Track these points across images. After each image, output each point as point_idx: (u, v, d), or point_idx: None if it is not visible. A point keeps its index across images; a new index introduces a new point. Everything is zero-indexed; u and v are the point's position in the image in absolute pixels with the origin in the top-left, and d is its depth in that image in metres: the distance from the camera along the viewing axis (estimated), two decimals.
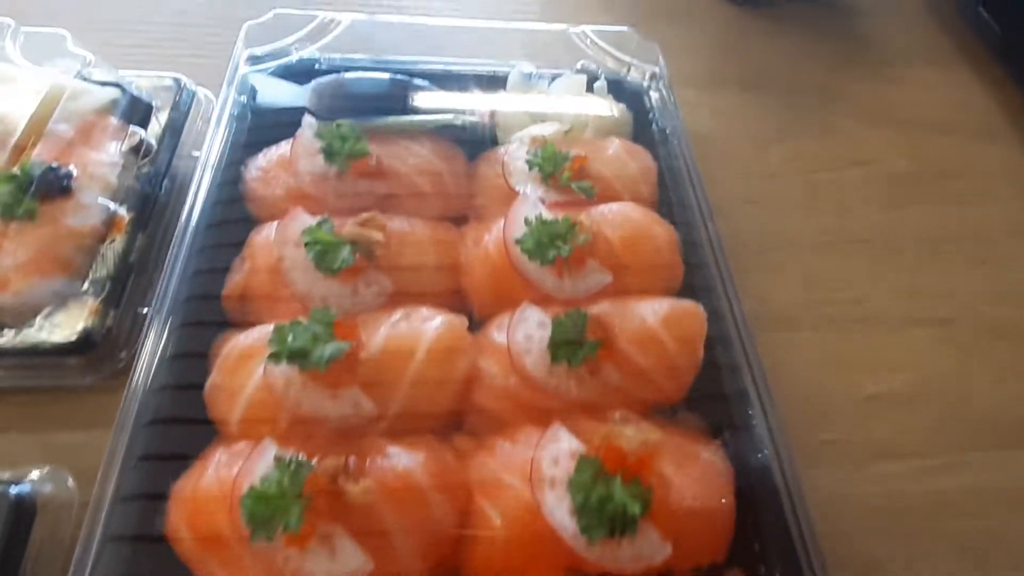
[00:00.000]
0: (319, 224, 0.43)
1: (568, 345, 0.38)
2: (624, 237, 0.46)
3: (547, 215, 0.44)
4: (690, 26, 0.84)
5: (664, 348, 0.41)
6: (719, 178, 0.65)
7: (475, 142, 0.55)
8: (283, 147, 0.51)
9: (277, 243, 0.44)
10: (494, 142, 0.56)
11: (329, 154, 0.46)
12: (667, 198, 0.54)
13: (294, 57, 0.53)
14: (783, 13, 0.86)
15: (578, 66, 0.61)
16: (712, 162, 0.67)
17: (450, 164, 0.52)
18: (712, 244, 0.50)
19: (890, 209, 0.66)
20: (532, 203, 0.46)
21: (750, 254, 0.60)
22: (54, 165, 0.45)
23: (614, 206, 0.48)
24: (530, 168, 0.49)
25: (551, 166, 0.49)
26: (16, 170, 0.43)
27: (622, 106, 0.59)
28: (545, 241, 0.42)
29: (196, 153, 0.54)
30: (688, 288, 0.48)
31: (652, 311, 0.42)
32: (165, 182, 0.51)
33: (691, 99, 0.73)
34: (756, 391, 0.44)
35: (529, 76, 0.59)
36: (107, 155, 0.48)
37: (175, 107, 0.54)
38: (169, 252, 0.45)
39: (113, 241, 0.45)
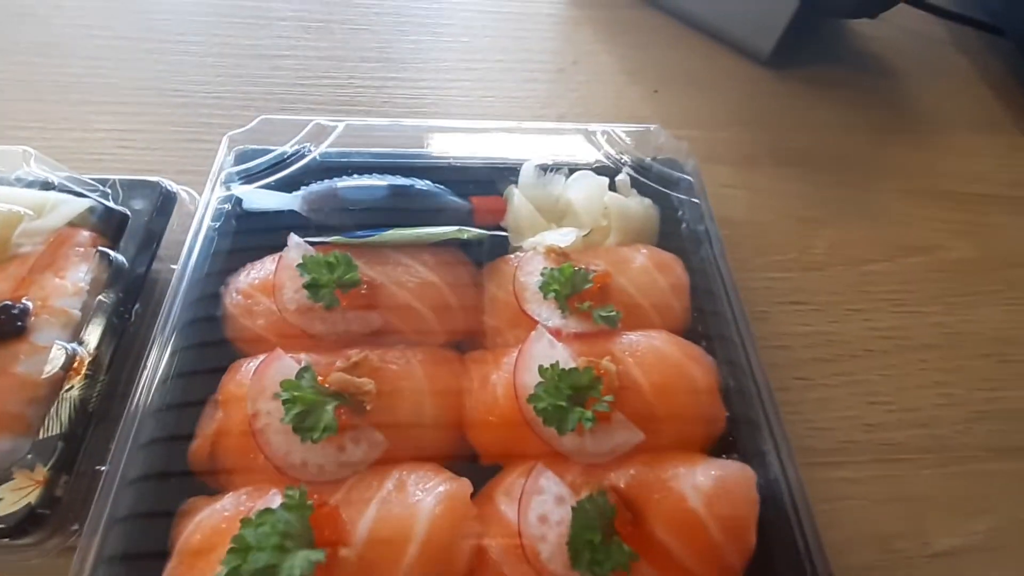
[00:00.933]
0: (300, 374, 0.37)
1: (593, 550, 0.31)
2: (657, 383, 0.39)
3: (565, 361, 0.38)
4: (716, 92, 0.78)
5: (709, 537, 0.33)
6: (758, 273, 0.59)
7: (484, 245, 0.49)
8: (268, 265, 0.45)
9: (252, 395, 0.38)
10: (504, 248, 0.50)
11: (315, 289, 0.40)
12: (699, 306, 0.47)
13: (281, 173, 0.47)
14: (816, 76, 0.80)
15: (599, 156, 0.55)
16: (749, 253, 0.60)
17: (455, 281, 0.46)
18: (753, 370, 0.43)
19: (955, 307, 0.58)
20: (547, 343, 0.39)
21: (797, 367, 0.53)
22: (7, 303, 0.40)
23: (643, 341, 0.41)
24: (545, 294, 0.43)
25: (569, 288, 0.43)
26: None
27: (647, 201, 0.53)
28: (564, 405, 0.35)
29: (174, 266, 0.49)
30: (729, 420, 0.41)
31: (692, 487, 0.35)
32: (137, 307, 0.45)
33: (721, 177, 0.67)
34: (808, 554, 0.37)
35: (544, 170, 0.53)
36: (71, 282, 0.43)
37: (152, 216, 0.49)
38: (130, 399, 0.39)
39: (71, 388, 0.39)
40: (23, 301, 0.41)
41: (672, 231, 0.53)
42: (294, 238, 0.44)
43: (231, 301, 0.44)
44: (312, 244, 0.44)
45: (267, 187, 0.47)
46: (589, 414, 0.35)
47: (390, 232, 0.45)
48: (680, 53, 0.83)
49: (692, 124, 0.74)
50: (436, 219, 0.49)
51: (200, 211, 0.46)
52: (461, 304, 0.46)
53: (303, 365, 0.38)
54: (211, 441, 0.39)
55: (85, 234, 0.47)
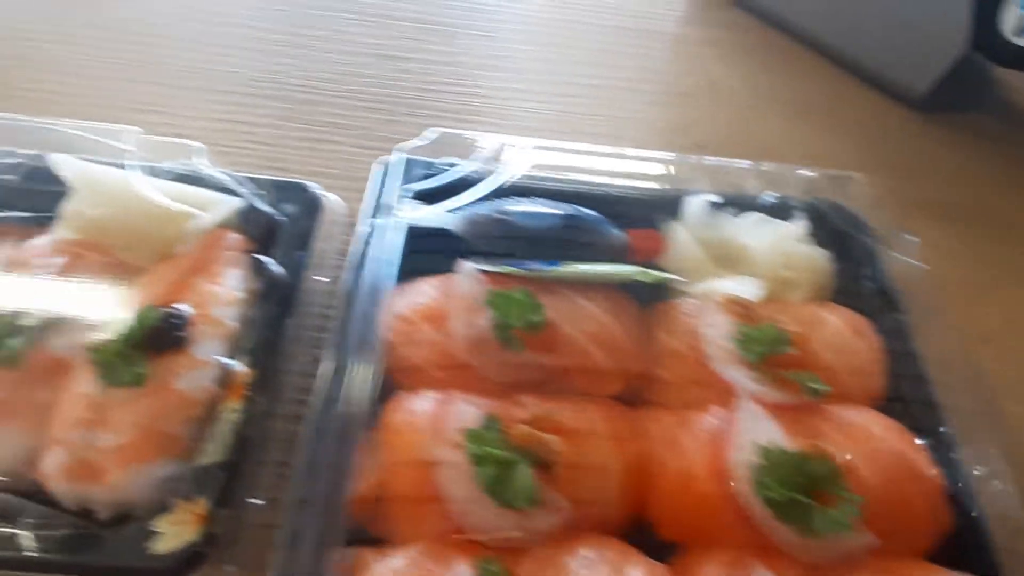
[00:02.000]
0: (486, 427, 0.34)
1: None
2: (881, 476, 0.34)
3: (785, 442, 0.34)
4: (859, 130, 0.73)
5: None
6: None
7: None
8: (426, 289, 0.42)
9: (428, 442, 0.34)
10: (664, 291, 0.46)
11: (503, 331, 0.36)
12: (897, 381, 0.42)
13: (463, 195, 0.44)
14: (970, 125, 0.74)
15: (771, 197, 0.50)
16: None
17: (626, 326, 0.42)
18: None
19: None
20: (756, 416, 0.35)
21: None
22: (169, 310, 0.37)
23: (857, 421, 0.37)
24: (745, 354, 0.38)
25: (768, 350, 0.39)
26: (133, 321, 0.35)
27: (825, 253, 0.48)
28: (805, 501, 0.31)
29: (318, 278, 0.46)
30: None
31: None
32: (289, 321, 0.42)
33: None
34: None
35: (715, 207, 0.49)
36: (225, 288, 0.40)
37: (301, 221, 0.46)
38: (301, 434, 0.36)
39: (229, 409, 0.36)
40: (182, 308, 0.38)
41: (847, 288, 0.48)
42: (466, 265, 0.40)
43: (392, 326, 0.41)
44: (484, 272, 0.41)
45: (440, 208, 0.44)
46: (845, 520, 0.30)
47: (567, 267, 0.41)
48: (815, 84, 0.78)
49: (833, 164, 0.69)
50: (596, 253, 0.45)
51: (366, 225, 0.43)
52: (635, 352, 0.42)
53: (487, 414, 0.34)
54: (377, 486, 0.35)
55: (234, 237, 0.44)
